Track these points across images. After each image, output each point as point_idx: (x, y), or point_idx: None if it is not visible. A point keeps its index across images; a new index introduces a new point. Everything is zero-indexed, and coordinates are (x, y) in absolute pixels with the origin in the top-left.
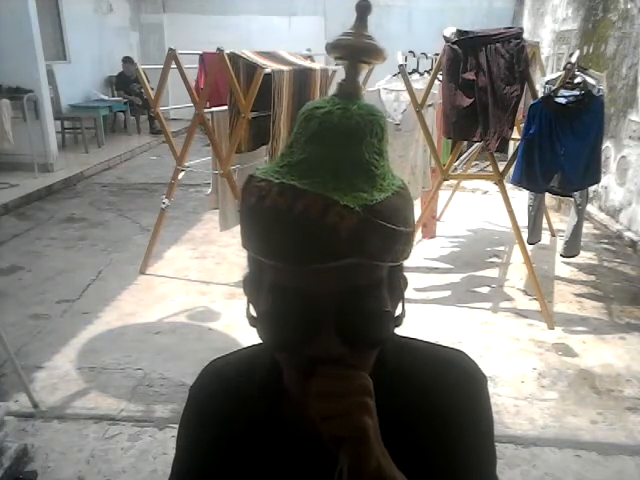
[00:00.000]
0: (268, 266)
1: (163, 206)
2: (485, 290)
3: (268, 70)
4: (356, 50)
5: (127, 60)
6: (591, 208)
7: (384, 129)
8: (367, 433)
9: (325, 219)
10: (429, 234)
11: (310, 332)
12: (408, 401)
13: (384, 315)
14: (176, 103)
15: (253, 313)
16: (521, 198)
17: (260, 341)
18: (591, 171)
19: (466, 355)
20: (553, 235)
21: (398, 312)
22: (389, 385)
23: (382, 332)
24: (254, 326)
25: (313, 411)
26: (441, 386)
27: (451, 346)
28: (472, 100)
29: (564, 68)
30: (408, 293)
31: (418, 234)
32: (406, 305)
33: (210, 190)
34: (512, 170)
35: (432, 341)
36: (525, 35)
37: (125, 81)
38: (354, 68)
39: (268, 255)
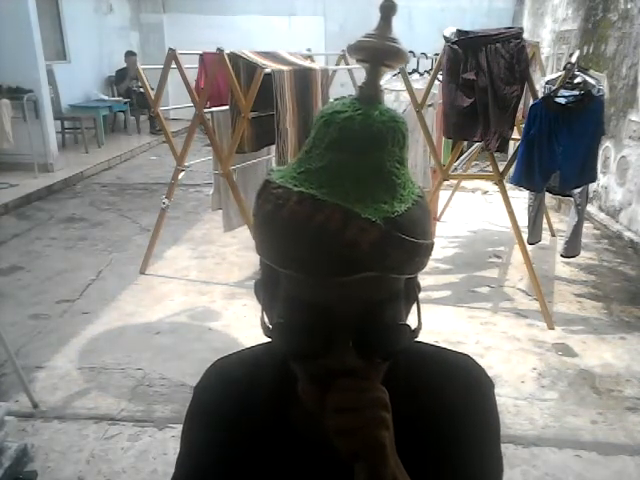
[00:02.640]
0: (284, 276)
1: (163, 206)
2: (485, 290)
3: (268, 70)
4: (379, 53)
5: (130, 54)
6: (591, 208)
7: (406, 136)
8: (384, 447)
9: (345, 232)
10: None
11: (326, 344)
12: (416, 405)
13: (400, 328)
14: (176, 103)
15: (267, 321)
16: (521, 198)
17: (265, 342)
18: (587, 169)
19: (473, 360)
20: (553, 235)
21: (414, 324)
22: (398, 389)
23: (398, 345)
24: (269, 336)
25: (329, 425)
26: (449, 391)
27: (451, 347)
28: (472, 100)
29: (564, 68)
30: None
31: None
32: (412, 306)
33: (212, 191)
34: (512, 170)
35: (432, 342)
36: (525, 35)
37: (124, 76)
38: (376, 71)
39: (285, 265)
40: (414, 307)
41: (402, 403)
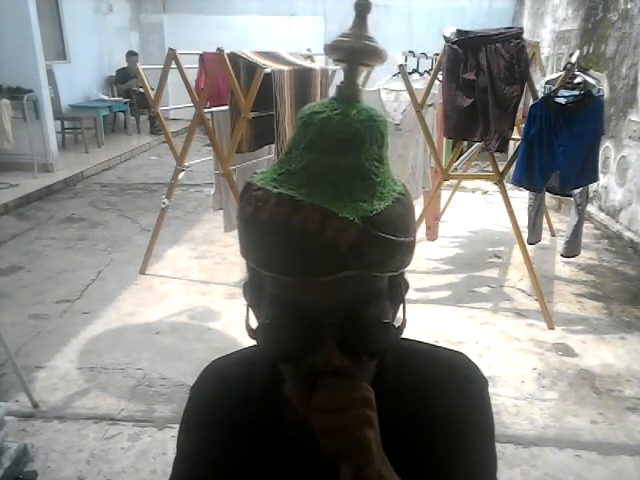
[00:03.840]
0: (267, 277)
1: (163, 206)
2: (485, 290)
3: (268, 70)
4: (355, 52)
5: (131, 54)
6: (591, 208)
7: (384, 134)
8: (368, 446)
9: (324, 232)
10: (433, 236)
11: (310, 344)
12: (409, 403)
13: (384, 326)
14: (176, 103)
15: (252, 324)
16: (521, 198)
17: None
18: (587, 170)
19: (467, 357)
20: (553, 235)
21: (399, 322)
22: (390, 387)
23: (382, 343)
24: (253, 338)
25: (314, 425)
26: (442, 388)
27: (451, 347)
28: (472, 100)
29: (564, 68)
30: (408, 293)
31: (421, 236)
32: (406, 305)
33: (213, 191)
34: (512, 170)
35: (432, 342)
36: (525, 35)
37: (125, 76)
38: (353, 70)
39: (266, 267)
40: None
41: (391, 403)
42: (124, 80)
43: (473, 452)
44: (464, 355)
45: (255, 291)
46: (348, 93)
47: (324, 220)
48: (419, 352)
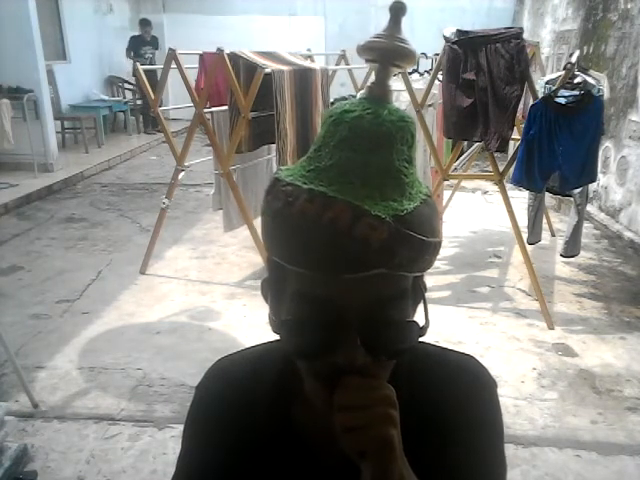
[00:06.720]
0: (292, 272)
1: (163, 206)
2: (485, 290)
3: (268, 70)
4: (388, 53)
5: (144, 22)
6: (591, 208)
7: (414, 136)
8: (392, 445)
9: (355, 230)
10: None
11: (334, 342)
12: (422, 407)
13: (408, 325)
14: (176, 103)
15: (274, 319)
16: (521, 198)
17: (266, 341)
18: (587, 170)
19: (476, 360)
20: (553, 235)
21: (422, 322)
22: (404, 392)
23: (405, 342)
24: (277, 332)
25: (337, 423)
26: (453, 392)
27: (451, 347)
28: (472, 100)
29: (564, 68)
30: None
31: None
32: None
33: (213, 191)
34: (512, 170)
35: (432, 342)
36: (525, 35)
37: (138, 44)
38: (385, 71)
39: (294, 262)
40: (420, 307)
41: (404, 404)
42: (137, 48)
43: (486, 455)
44: (474, 358)
45: (276, 287)
46: (379, 93)
47: (356, 218)
48: (430, 355)
